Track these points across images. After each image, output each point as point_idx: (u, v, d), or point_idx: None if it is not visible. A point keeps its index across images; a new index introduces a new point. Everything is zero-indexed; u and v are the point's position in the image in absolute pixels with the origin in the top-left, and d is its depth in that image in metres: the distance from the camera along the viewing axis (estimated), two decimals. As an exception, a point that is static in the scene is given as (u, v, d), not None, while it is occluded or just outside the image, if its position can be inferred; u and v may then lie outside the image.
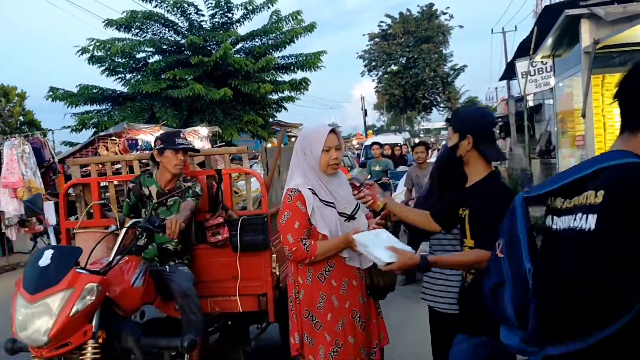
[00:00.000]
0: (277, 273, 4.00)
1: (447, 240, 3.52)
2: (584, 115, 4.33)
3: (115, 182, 4.78)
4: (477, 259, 2.43)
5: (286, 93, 20.92)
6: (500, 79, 22.95)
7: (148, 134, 16.31)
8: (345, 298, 2.98)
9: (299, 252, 2.92)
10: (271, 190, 4.19)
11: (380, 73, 43.26)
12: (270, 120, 21.80)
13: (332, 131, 2.99)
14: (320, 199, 3.00)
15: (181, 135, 4.08)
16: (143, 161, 4.89)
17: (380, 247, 2.49)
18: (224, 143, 17.92)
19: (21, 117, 16.93)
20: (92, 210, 4.53)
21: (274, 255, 3.99)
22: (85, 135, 17.11)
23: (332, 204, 3.00)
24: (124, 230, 3.49)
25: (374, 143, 12.29)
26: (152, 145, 15.75)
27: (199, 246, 4.23)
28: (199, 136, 18.42)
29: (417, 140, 13.66)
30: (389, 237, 2.67)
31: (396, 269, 2.42)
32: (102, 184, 4.88)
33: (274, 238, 4.12)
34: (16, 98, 16.78)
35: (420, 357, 5.19)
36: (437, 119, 53.33)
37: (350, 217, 3.07)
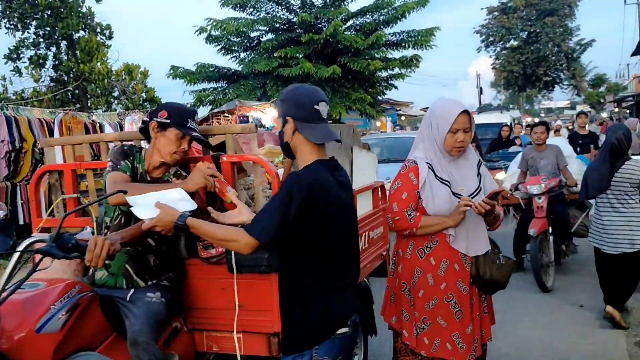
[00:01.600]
0: None
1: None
2: None
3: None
4: (227, 237, 2.30)
5: (396, 70, 20.60)
6: (633, 54, 21.12)
7: (259, 111, 16.95)
8: (442, 279, 2.88)
9: (402, 222, 2.88)
10: None
11: (498, 49, 41.45)
12: (380, 98, 21.61)
13: (465, 112, 2.83)
14: (435, 175, 2.91)
15: (195, 118, 3.04)
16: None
17: (150, 205, 2.35)
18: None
19: (143, 94, 17.98)
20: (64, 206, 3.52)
21: None
22: (202, 111, 17.91)
23: (447, 182, 2.90)
24: (15, 255, 2.35)
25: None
26: (262, 122, 16.13)
27: (191, 261, 3.15)
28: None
29: (536, 120, 13.00)
30: (175, 195, 2.46)
31: (153, 224, 2.34)
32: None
33: None
34: (139, 76, 17.84)
35: (523, 353, 4.97)
36: (559, 98, 50.27)
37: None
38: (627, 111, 29.23)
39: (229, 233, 2.30)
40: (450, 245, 2.88)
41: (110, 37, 18.22)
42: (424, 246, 2.91)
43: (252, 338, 2.85)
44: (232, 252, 2.74)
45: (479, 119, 18.82)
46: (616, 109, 32.42)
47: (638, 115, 23.07)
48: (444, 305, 2.86)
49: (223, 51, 19.85)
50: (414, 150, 3.02)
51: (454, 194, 2.89)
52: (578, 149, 9.62)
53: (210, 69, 19.43)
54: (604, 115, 32.80)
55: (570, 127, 23.41)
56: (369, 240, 3.59)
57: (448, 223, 2.83)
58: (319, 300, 2.29)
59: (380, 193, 4.03)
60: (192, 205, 2.44)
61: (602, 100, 41.26)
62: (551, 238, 6.90)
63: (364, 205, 3.61)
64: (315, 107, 2.32)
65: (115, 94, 18.13)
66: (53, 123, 10.70)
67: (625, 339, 5.07)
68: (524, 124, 21.49)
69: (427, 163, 2.91)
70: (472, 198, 2.87)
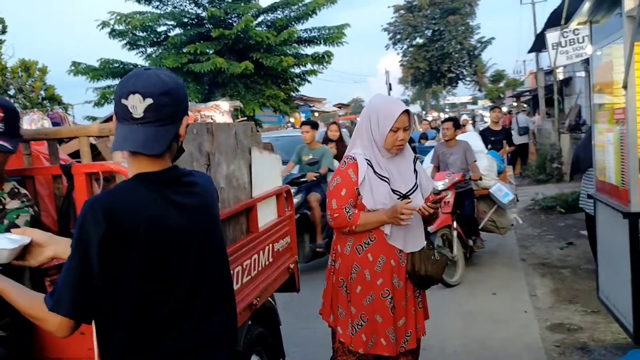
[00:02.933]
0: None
1: None
2: (625, 87, 3.70)
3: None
4: (33, 314, 1.61)
5: (309, 67, 20.27)
6: (529, 52, 21.88)
7: (168, 109, 16.06)
8: (379, 275, 2.85)
9: (341, 219, 2.84)
10: None
11: (405, 46, 42.19)
12: (293, 94, 21.20)
13: (406, 112, 2.85)
14: (374, 171, 2.88)
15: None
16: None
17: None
18: (245, 118, 17.50)
19: (42, 92, 16.66)
20: None
21: None
22: (108, 109, 16.80)
23: (386, 179, 2.88)
24: None
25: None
26: None
27: None
28: (220, 111, 18.07)
29: (444, 116, 12.89)
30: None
31: None
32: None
33: None
34: (37, 73, 16.51)
35: (445, 343, 4.91)
36: (463, 93, 52.01)
37: (405, 197, 2.91)
38: (525, 105, 30.52)
39: (34, 307, 1.60)
40: (388, 242, 2.87)
41: (3, 32, 16.67)
42: (362, 242, 2.88)
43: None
44: None
45: None
46: (515, 104, 33.82)
47: (535, 109, 24.00)
48: (381, 301, 2.84)
49: (128, 46, 18.68)
50: (352, 146, 3.00)
51: (393, 190, 2.88)
52: (489, 146, 9.09)
53: (115, 65, 18.21)
54: (504, 109, 34.13)
55: (472, 122, 23.94)
56: (273, 254, 3.09)
57: (384, 219, 2.80)
58: None
59: (286, 199, 3.54)
60: (11, 243, 1.73)
61: (501, 95, 43.04)
62: (455, 233, 6.66)
63: (266, 214, 3.09)
64: (123, 101, 1.62)
65: (11, 92, 16.61)
66: None
67: (538, 324, 5.12)
68: (429, 119, 21.68)
69: (366, 159, 2.88)
70: (410, 194, 2.91)
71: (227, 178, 2.59)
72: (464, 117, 18.87)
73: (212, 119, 14.15)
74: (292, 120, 22.81)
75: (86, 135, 2.25)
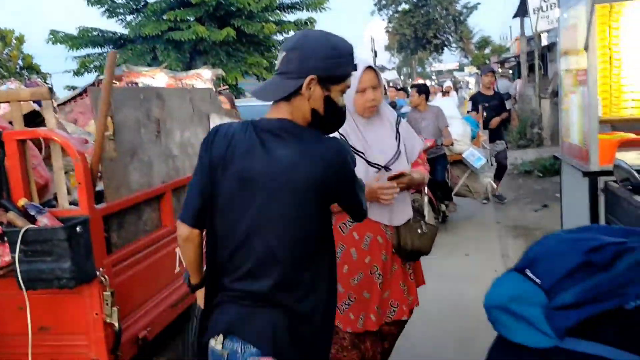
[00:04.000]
0: (116, 324, 1.96)
1: None
2: (586, 48, 3.65)
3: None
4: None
5: (291, 34, 19.86)
6: (514, 17, 21.64)
7: (148, 77, 15.72)
8: (366, 253, 2.71)
9: None
10: (109, 165, 2.07)
11: (390, 12, 41.58)
12: (276, 62, 20.85)
13: (369, 68, 2.57)
14: (349, 145, 2.61)
15: None
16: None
17: None
18: (227, 87, 17.24)
19: (20, 62, 16.25)
20: None
21: (108, 293, 1.93)
22: (88, 78, 16.51)
23: (361, 153, 2.66)
24: None
25: None
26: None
27: None
28: (202, 79, 17.79)
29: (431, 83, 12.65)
30: None
31: None
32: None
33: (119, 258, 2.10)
34: (14, 41, 16.04)
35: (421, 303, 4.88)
36: (449, 60, 51.61)
37: (385, 168, 2.70)
38: (510, 71, 30.40)
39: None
40: (370, 219, 2.63)
41: (-24, -1, 16.15)
42: (345, 221, 2.71)
43: (63, 370, 2.09)
44: (17, 263, 1.85)
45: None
46: (500, 70, 33.61)
47: (519, 75, 23.86)
48: (369, 278, 2.73)
49: (107, 14, 18.21)
50: None
51: (370, 163, 2.68)
52: (485, 113, 8.47)
53: (94, 33, 17.84)
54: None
55: (455, 88, 23.76)
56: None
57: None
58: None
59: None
60: None
61: (487, 62, 42.75)
62: (425, 199, 6.59)
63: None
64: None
65: (-13, 61, 16.21)
66: None
67: None
68: (404, 85, 21.35)
69: (339, 133, 2.59)
70: (392, 164, 2.70)
71: (181, 145, 2.50)
72: (447, 83, 18.67)
73: (194, 87, 13.63)
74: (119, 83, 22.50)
75: (17, 100, 2.12)
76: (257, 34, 18.29)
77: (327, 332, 1.86)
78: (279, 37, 20.11)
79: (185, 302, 2.39)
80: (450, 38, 42.94)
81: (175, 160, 2.42)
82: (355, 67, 1.85)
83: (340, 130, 2.52)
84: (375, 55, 47.00)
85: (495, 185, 8.29)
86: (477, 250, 6.37)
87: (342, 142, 1.87)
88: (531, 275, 1.17)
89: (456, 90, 22.88)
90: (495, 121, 8.46)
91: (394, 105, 10.73)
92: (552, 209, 7.79)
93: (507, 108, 8.43)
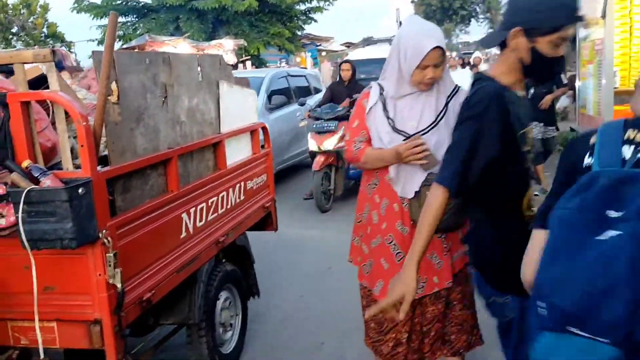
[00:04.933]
0: (119, 285, 1.97)
1: None
2: (603, 16, 3.51)
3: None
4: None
5: (314, 3, 19.68)
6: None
7: (171, 47, 15.74)
8: (383, 219, 2.61)
9: (348, 153, 2.65)
10: (114, 129, 2.03)
11: (417, -18, 40.72)
12: (299, 33, 20.66)
13: (438, 48, 2.41)
14: (384, 106, 2.57)
15: None
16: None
17: None
18: (249, 57, 17.17)
19: (45, 30, 16.31)
20: None
21: (111, 255, 1.93)
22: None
23: (390, 119, 2.56)
24: None
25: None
26: None
27: None
28: (224, 49, 17.74)
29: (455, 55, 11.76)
30: None
31: None
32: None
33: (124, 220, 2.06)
34: (39, 10, 16.09)
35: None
36: (476, 32, 50.41)
37: (410, 137, 2.54)
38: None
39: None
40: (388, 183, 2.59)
41: (2, -33, 16.21)
42: (370, 182, 2.67)
43: (69, 327, 2.10)
44: (21, 223, 1.85)
45: (364, 53, 15.10)
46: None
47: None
48: (385, 247, 2.62)
49: (131, -18, 18.16)
50: (381, 76, 2.69)
51: (397, 130, 2.55)
52: (531, 90, 6.79)
53: (118, 2, 17.84)
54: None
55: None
56: (245, 192, 3.00)
57: (390, 159, 2.51)
58: None
59: (263, 135, 3.42)
60: None
61: (515, 34, 41.81)
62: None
63: (237, 151, 2.99)
64: None
65: (14, 29, 16.32)
66: None
67: None
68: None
69: (381, 92, 2.59)
70: (426, 132, 2.52)
71: (189, 112, 2.48)
72: (476, 54, 17.53)
73: (205, 54, 13.29)
74: (298, 59, 22.34)
75: (21, 62, 2.12)
76: (280, 3, 18.10)
77: None
78: (301, 7, 19.86)
79: (191, 267, 2.41)
80: (477, 9, 41.95)
81: (183, 127, 2.41)
82: (574, 19, 1.86)
83: (384, 86, 2.57)
84: (400, 26, 46.20)
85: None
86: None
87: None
88: (583, 334, 1.05)
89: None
90: (547, 100, 6.54)
91: None
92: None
93: (564, 82, 6.44)
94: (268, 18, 18.86)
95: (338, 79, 7.90)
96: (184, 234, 2.35)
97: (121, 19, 18.43)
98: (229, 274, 2.91)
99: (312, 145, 6.73)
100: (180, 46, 16.62)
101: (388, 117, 2.57)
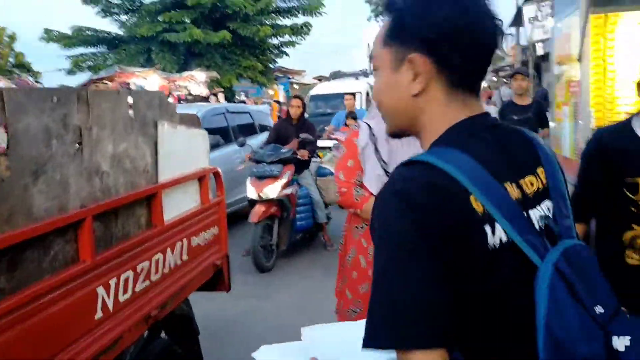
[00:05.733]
0: None
1: None
2: (579, 59, 3.31)
3: None
4: None
5: (287, 38, 19.51)
6: (510, 26, 21.23)
7: (141, 78, 15.25)
8: (371, 264, 2.19)
9: (347, 196, 2.49)
10: None
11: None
12: (271, 66, 20.42)
13: None
14: (376, 148, 2.43)
15: None
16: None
17: None
18: (222, 89, 16.77)
19: (11, 59, 15.71)
20: None
21: None
22: (81, 78, 15.98)
23: (383, 162, 2.43)
24: None
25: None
26: (145, 89, 14.30)
27: None
28: (196, 81, 17.36)
29: None
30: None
31: None
32: None
33: None
34: (6, 39, 15.54)
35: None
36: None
37: None
38: (505, 80, 30.03)
39: None
40: None
41: (-30, -4, 15.62)
42: (357, 225, 2.54)
43: None
44: None
45: (330, 87, 14.66)
46: (495, 79, 33.21)
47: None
48: None
49: (102, 13, 17.73)
50: (368, 114, 2.63)
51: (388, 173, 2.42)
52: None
53: (89, 33, 17.35)
54: (484, 84, 33.45)
55: None
56: (189, 250, 2.49)
57: None
58: None
59: (215, 182, 2.91)
60: None
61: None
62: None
63: (180, 202, 2.48)
64: None
65: (-21, 58, 15.68)
66: None
67: None
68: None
69: (369, 131, 2.43)
70: None
71: (114, 159, 1.98)
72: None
73: (187, 89, 12.84)
74: (270, 92, 22.04)
75: None
76: (253, 37, 17.88)
77: None
78: (274, 41, 19.67)
79: (109, 355, 1.87)
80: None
81: (105, 178, 1.92)
82: None
83: (376, 125, 2.34)
84: (371, 60, 46.51)
85: None
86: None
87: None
88: None
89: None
90: None
91: (353, 116, 8.51)
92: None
93: (548, 122, 5.86)
94: (241, 51, 18.60)
95: (286, 116, 6.67)
96: (99, 314, 1.83)
97: (91, 50, 17.93)
98: (164, 350, 2.37)
99: (251, 193, 5.55)
100: (150, 77, 16.04)
101: (381, 160, 2.42)
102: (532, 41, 13.85)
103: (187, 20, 17.52)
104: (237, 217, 6.65)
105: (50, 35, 16.80)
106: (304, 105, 6.40)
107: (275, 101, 17.63)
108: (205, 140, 2.79)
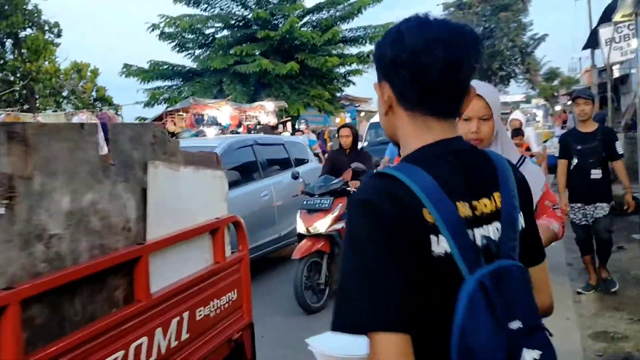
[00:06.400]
0: None
1: None
2: None
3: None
4: None
5: (354, 66, 19.07)
6: (584, 48, 19.82)
7: (214, 109, 15.26)
8: None
9: None
10: None
11: (456, 45, 39.89)
12: (338, 94, 20.01)
13: (480, 97, 2.08)
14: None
15: None
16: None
17: None
18: (289, 118, 16.51)
19: (94, 93, 16.16)
20: None
21: None
22: (157, 110, 16.18)
23: None
24: None
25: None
26: (218, 120, 13.98)
27: None
28: (265, 111, 17.22)
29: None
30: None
31: None
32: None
33: None
34: (89, 74, 15.99)
35: None
36: (515, 92, 49.29)
37: None
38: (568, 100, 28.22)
39: None
40: None
41: (59, 35, 16.34)
42: None
43: None
44: None
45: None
46: (569, 102, 31.32)
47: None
48: None
49: (177, 48, 18.07)
50: None
51: None
52: (576, 159, 4.98)
53: (164, 67, 17.67)
54: (558, 108, 31.64)
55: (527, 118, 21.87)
56: (193, 325, 1.87)
57: None
58: None
59: (237, 233, 2.30)
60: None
61: (555, 94, 40.23)
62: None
63: (183, 264, 1.89)
64: None
65: (65, 93, 16.21)
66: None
67: (579, 332, 4.46)
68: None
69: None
70: None
71: (70, 217, 1.42)
72: (515, 115, 11.10)
73: (257, 119, 12.45)
74: (337, 120, 21.61)
75: None
76: (320, 67, 17.55)
77: None
78: (341, 70, 19.28)
79: None
80: (516, 70, 40.68)
81: (54, 244, 1.37)
82: None
83: None
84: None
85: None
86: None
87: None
88: None
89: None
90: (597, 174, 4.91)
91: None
92: (628, 251, 6.70)
93: (620, 152, 4.95)
94: (308, 80, 18.34)
95: (338, 146, 6.22)
96: None
97: (167, 83, 18.22)
98: None
99: (300, 227, 5.11)
100: (223, 108, 15.92)
101: None
102: (609, 63, 12.63)
103: (257, 53, 17.47)
104: (271, 260, 6.15)
105: (129, 70, 17.22)
106: (354, 134, 5.80)
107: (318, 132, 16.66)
108: (222, 183, 2.19)
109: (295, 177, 5.72)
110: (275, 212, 6.12)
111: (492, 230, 1.02)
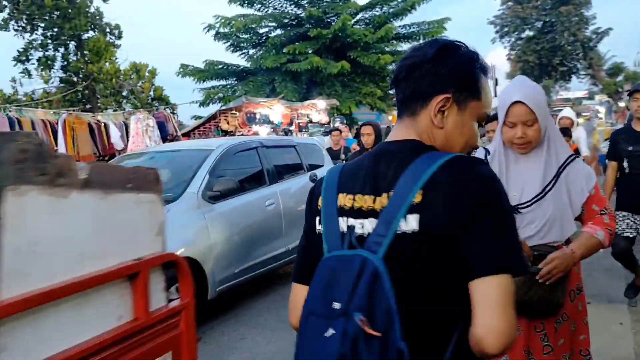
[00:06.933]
0: None
1: None
2: None
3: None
4: None
5: (407, 63, 18.18)
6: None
7: (266, 108, 14.87)
8: None
9: None
10: None
11: (513, 39, 37.89)
12: (390, 92, 19.18)
13: (519, 102, 1.96)
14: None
15: None
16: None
17: None
18: (342, 116, 15.91)
19: (151, 93, 16.18)
20: None
21: None
22: (212, 109, 16.00)
23: None
24: None
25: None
26: (270, 118, 13.38)
27: None
28: (316, 109, 16.69)
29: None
30: None
31: None
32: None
33: None
34: (147, 75, 16.02)
35: None
36: (577, 88, 46.30)
37: (515, 210, 2.08)
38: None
39: None
40: None
41: (119, 37, 16.45)
42: None
43: None
44: None
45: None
46: (627, 97, 28.89)
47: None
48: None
49: (232, 48, 17.93)
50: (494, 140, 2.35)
51: None
52: (626, 161, 4.13)
53: (219, 66, 17.52)
54: (622, 104, 29.32)
55: (587, 118, 20.16)
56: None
57: None
58: None
59: (178, 274, 1.63)
60: None
61: (620, 90, 37.47)
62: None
63: (79, 325, 1.29)
64: None
65: (124, 93, 16.28)
66: (57, 124, 9.14)
67: (633, 337, 4.17)
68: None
69: (486, 155, 2.21)
70: (529, 205, 2.08)
71: None
72: (565, 113, 9.06)
73: (308, 117, 11.84)
74: (389, 117, 20.75)
75: None
76: (373, 64, 16.88)
77: None
78: (394, 67, 18.50)
79: None
80: (578, 65, 38.20)
81: None
82: None
83: (492, 150, 2.19)
84: (496, 84, 43.33)
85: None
86: (600, 298, 4.94)
87: None
88: None
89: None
90: None
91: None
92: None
93: None
94: (360, 78, 17.72)
95: (360, 147, 5.72)
96: None
97: (221, 82, 18.04)
98: None
99: None
100: (275, 107, 15.37)
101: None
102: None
103: (310, 51, 16.96)
104: (272, 276, 5.55)
105: (185, 70, 17.15)
106: (377, 132, 5.26)
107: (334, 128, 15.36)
108: (156, 210, 1.57)
109: (313, 180, 5.04)
110: (283, 223, 5.32)
111: (366, 224, 1.10)
